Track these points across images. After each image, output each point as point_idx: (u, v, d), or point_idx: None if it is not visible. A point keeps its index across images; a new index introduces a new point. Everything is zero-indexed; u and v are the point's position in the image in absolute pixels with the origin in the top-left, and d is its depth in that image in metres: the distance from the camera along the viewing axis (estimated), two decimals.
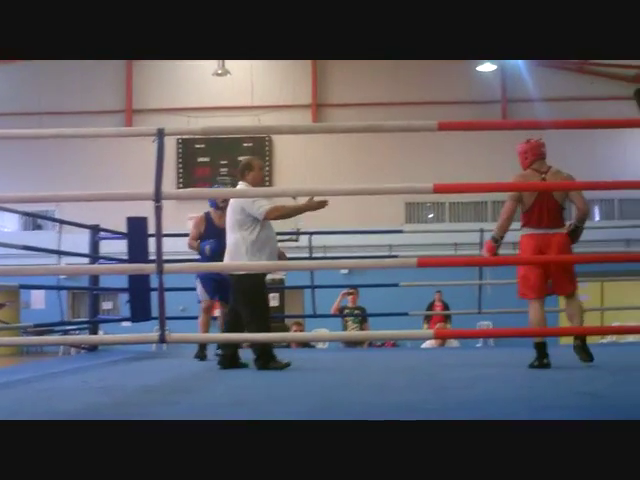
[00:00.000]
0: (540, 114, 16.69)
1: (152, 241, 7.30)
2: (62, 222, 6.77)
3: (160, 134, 3.69)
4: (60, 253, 6.66)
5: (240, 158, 5.84)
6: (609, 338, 12.70)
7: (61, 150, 18.42)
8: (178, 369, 6.06)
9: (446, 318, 12.63)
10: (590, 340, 10.68)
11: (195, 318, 6.74)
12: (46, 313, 16.38)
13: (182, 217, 13.73)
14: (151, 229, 6.20)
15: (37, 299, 17.29)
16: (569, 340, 10.77)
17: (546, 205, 5.32)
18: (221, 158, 18.94)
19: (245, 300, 5.55)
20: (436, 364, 6.14)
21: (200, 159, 19.10)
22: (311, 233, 9.15)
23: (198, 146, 18.97)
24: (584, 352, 5.33)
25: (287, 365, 5.53)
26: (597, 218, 17.96)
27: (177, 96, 19.14)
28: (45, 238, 13.25)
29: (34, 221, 19.13)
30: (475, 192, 13.62)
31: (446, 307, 13.14)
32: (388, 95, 18.77)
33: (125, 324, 12.83)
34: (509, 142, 6.80)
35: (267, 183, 17.96)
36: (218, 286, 6.59)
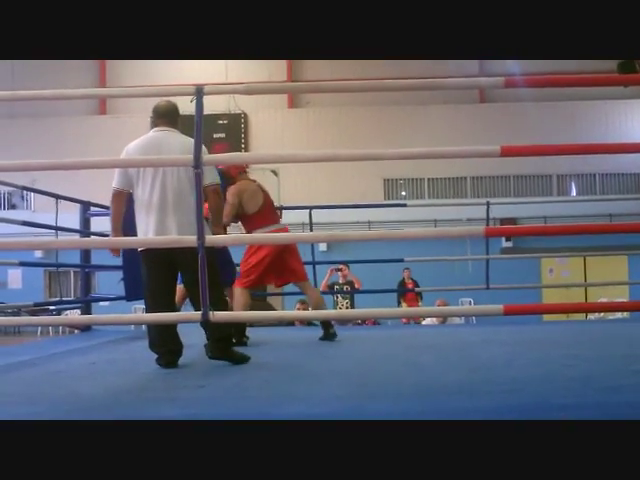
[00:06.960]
0: None
1: None
2: (58, 197, 6.42)
3: (199, 93, 3.48)
4: (57, 229, 6.34)
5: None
6: (596, 315, 12.66)
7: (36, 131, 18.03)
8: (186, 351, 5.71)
9: (418, 296, 12.90)
10: (575, 317, 10.69)
11: None
12: (23, 293, 15.99)
13: None
14: None
15: (14, 278, 16.81)
16: (552, 317, 10.79)
17: (271, 204, 6.09)
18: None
19: (214, 275, 4.22)
20: (462, 342, 5.97)
21: None
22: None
23: None
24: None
25: None
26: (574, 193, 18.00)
27: (150, 74, 18.77)
28: (20, 218, 12.79)
29: (8, 201, 18.63)
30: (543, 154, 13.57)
31: (416, 284, 13.25)
32: (363, 72, 18.41)
33: (102, 304, 12.53)
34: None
35: None
36: None
